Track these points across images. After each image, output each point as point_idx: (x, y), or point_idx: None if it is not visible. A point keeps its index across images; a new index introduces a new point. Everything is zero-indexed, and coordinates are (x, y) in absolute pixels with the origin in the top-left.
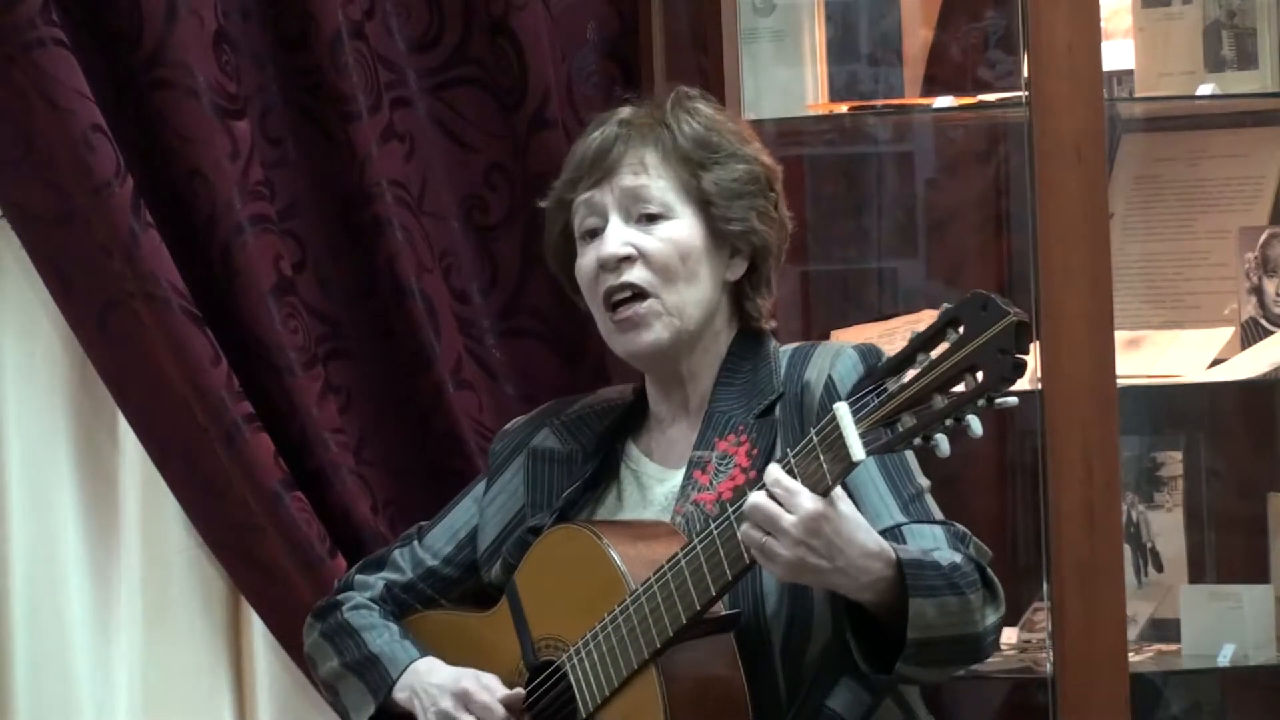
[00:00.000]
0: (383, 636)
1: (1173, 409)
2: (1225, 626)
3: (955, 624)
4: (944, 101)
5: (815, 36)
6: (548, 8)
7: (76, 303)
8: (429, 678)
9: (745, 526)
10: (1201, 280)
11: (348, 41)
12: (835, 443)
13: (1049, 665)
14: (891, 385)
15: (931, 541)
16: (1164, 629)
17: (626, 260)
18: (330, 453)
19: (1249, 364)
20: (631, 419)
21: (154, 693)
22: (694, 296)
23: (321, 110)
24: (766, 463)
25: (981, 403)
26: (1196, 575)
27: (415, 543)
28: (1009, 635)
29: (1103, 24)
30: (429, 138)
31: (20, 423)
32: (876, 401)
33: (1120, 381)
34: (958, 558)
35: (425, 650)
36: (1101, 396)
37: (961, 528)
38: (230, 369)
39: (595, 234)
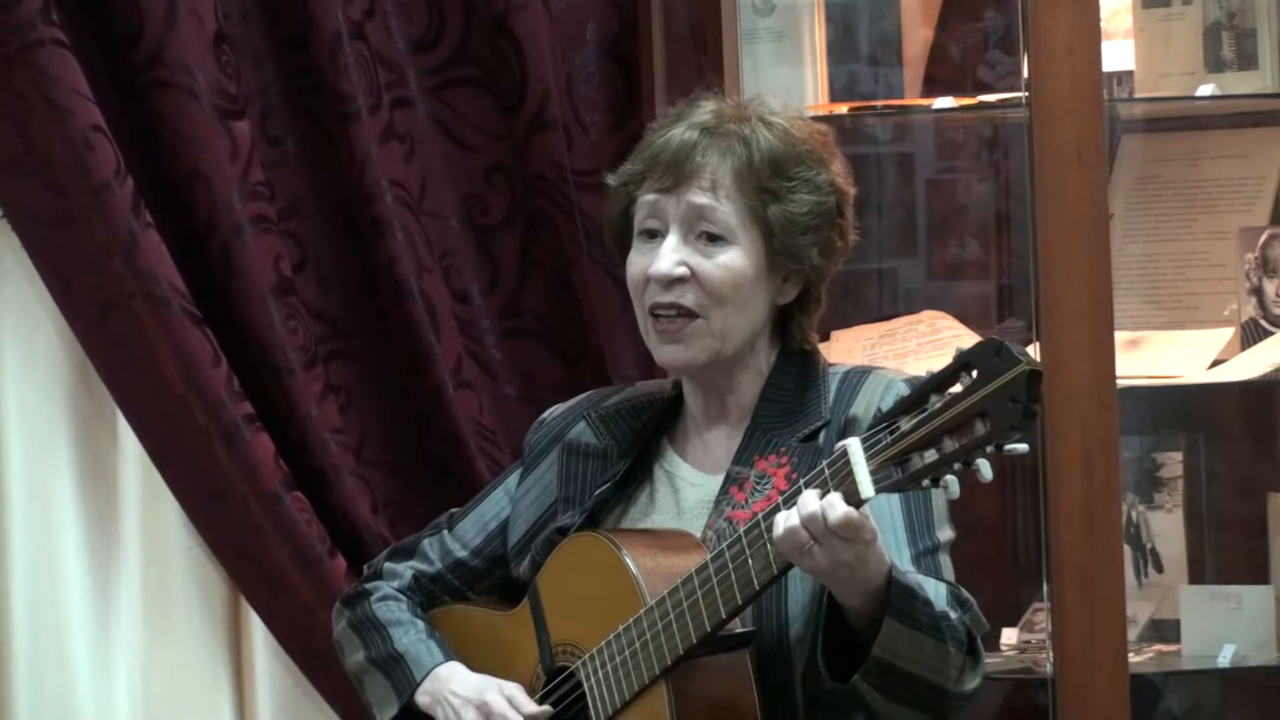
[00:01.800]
0: (409, 634)
1: (1173, 409)
2: (1225, 627)
3: (927, 667)
4: (944, 102)
5: (815, 37)
6: (548, 8)
7: (76, 303)
8: (450, 685)
9: (796, 524)
10: (1201, 280)
11: (348, 42)
12: (846, 478)
13: (1049, 665)
14: (904, 424)
15: (932, 596)
16: (1164, 629)
17: (679, 281)
18: (330, 453)
19: (1249, 365)
20: (669, 417)
21: (154, 693)
22: (741, 323)
23: (321, 110)
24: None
25: (990, 449)
26: (1196, 576)
27: (445, 532)
28: (1009, 635)
29: (1103, 24)
30: (429, 138)
31: (20, 423)
32: (889, 439)
33: (1120, 382)
34: (952, 613)
35: (449, 652)
36: (1101, 396)
37: (966, 594)
38: (230, 369)
39: (653, 235)
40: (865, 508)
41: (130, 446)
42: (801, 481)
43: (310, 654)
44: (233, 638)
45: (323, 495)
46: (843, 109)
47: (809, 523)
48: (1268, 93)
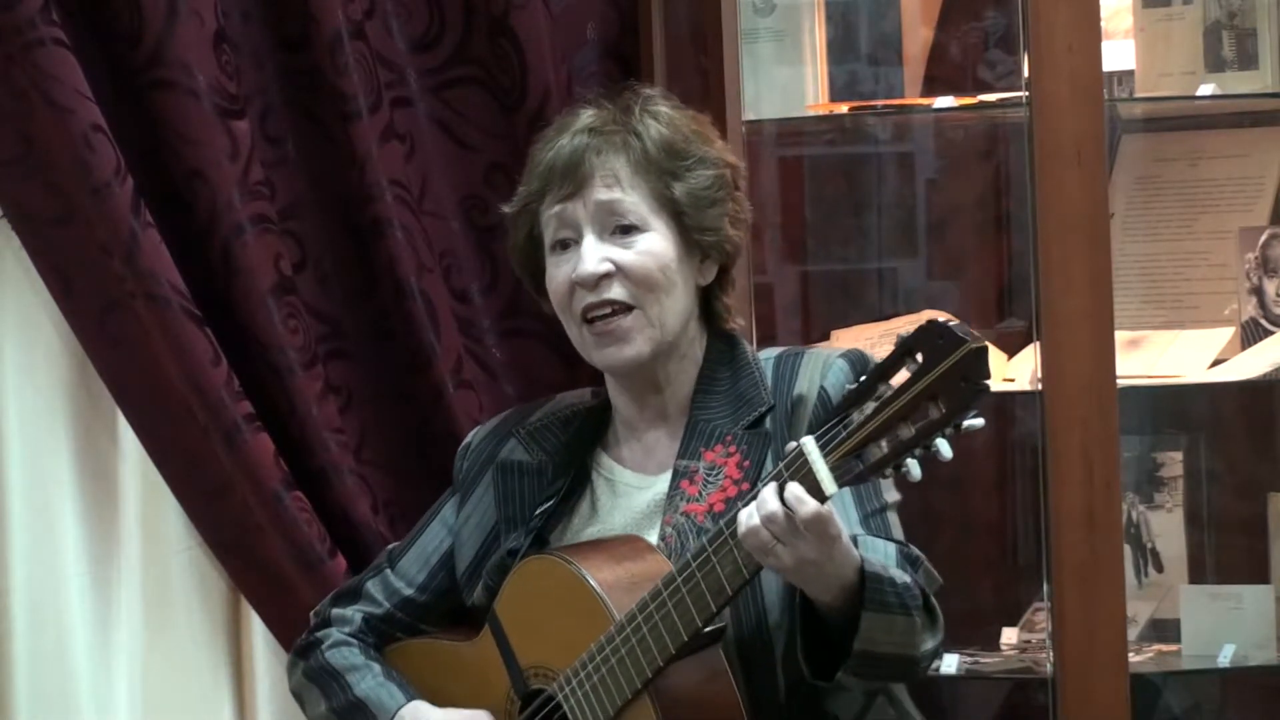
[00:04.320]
0: (366, 679)
1: (1173, 409)
2: (1225, 626)
3: (898, 643)
4: (944, 101)
5: (815, 36)
6: (548, 8)
7: (76, 303)
8: None
9: (756, 523)
10: (1201, 280)
11: (348, 41)
12: (806, 477)
13: (1049, 665)
14: (856, 416)
15: (882, 557)
16: (1164, 629)
17: (606, 278)
18: (330, 453)
19: (1249, 364)
20: (597, 426)
21: (154, 693)
22: (673, 306)
23: (321, 110)
24: (759, 474)
25: (949, 430)
26: (1196, 575)
27: (388, 571)
28: (1009, 635)
29: (1103, 24)
30: (429, 138)
31: (20, 423)
32: (844, 434)
33: (1120, 381)
34: (908, 578)
35: (410, 691)
36: (1101, 396)
37: (915, 551)
38: (230, 369)
39: (567, 245)
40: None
41: (130, 446)
42: (760, 484)
43: None
44: (233, 638)
45: (323, 495)
46: (843, 109)
47: (769, 521)
48: (1268, 92)
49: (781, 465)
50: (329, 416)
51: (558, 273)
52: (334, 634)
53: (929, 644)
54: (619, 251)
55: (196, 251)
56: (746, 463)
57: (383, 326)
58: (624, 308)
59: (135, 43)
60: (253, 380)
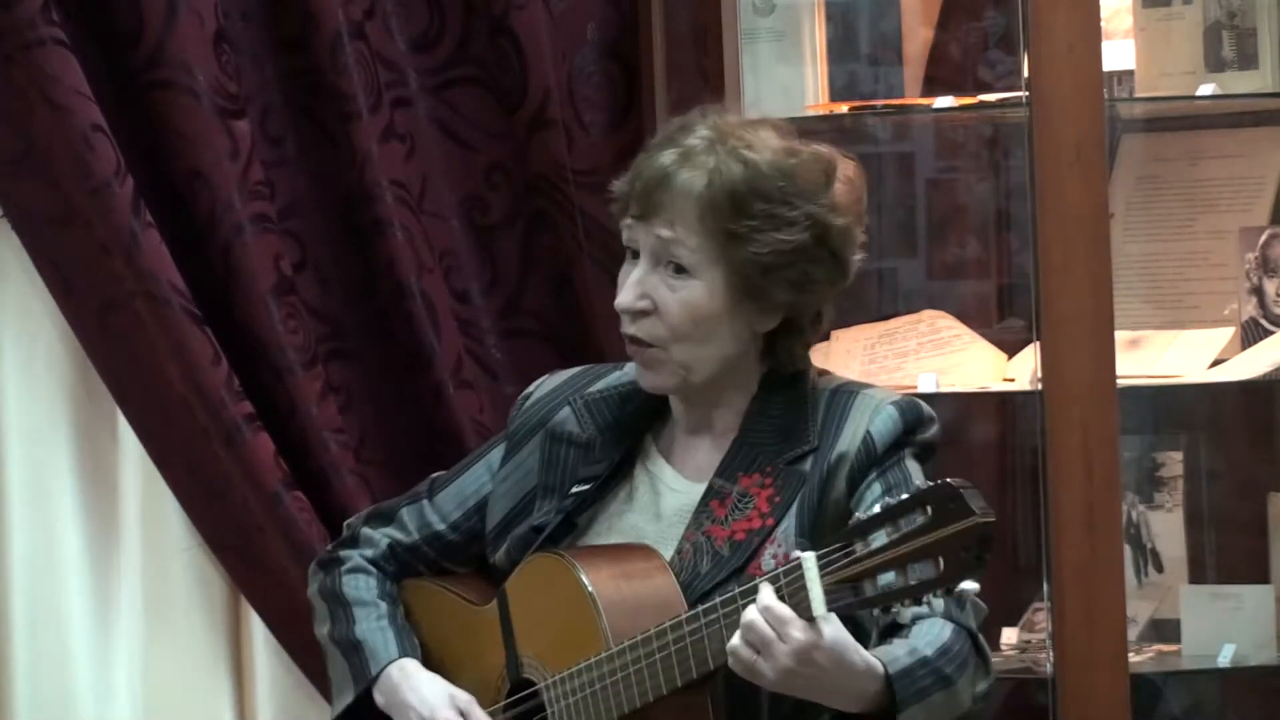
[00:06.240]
0: (369, 620)
1: (1173, 409)
2: (1225, 627)
3: (946, 712)
4: (944, 101)
5: (815, 36)
6: (548, 8)
7: (76, 303)
8: (401, 692)
9: (737, 641)
10: (1201, 280)
11: (348, 41)
12: (797, 591)
13: (1049, 665)
14: (859, 547)
15: (924, 606)
16: (1164, 629)
17: (643, 314)
18: (330, 453)
19: (1249, 364)
20: (653, 411)
21: (154, 693)
22: (706, 354)
23: (321, 110)
24: (785, 513)
25: (940, 591)
26: (1197, 575)
27: (425, 501)
28: (1009, 635)
29: (1103, 24)
30: (429, 138)
31: (20, 423)
32: (844, 561)
33: (1120, 381)
34: (946, 634)
35: (405, 644)
36: (1101, 396)
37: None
38: (230, 369)
39: (636, 255)
40: (826, 627)
41: (130, 446)
42: (759, 580)
43: (310, 653)
44: (233, 638)
45: (323, 495)
46: (843, 109)
47: (746, 631)
48: (1268, 92)
49: (780, 570)
50: (329, 416)
51: (620, 277)
52: (354, 556)
53: (979, 687)
54: (663, 291)
55: (196, 251)
56: (778, 499)
57: (383, 326)
58: (649, 344)
59: (135, 43)
60: (253, 380)
